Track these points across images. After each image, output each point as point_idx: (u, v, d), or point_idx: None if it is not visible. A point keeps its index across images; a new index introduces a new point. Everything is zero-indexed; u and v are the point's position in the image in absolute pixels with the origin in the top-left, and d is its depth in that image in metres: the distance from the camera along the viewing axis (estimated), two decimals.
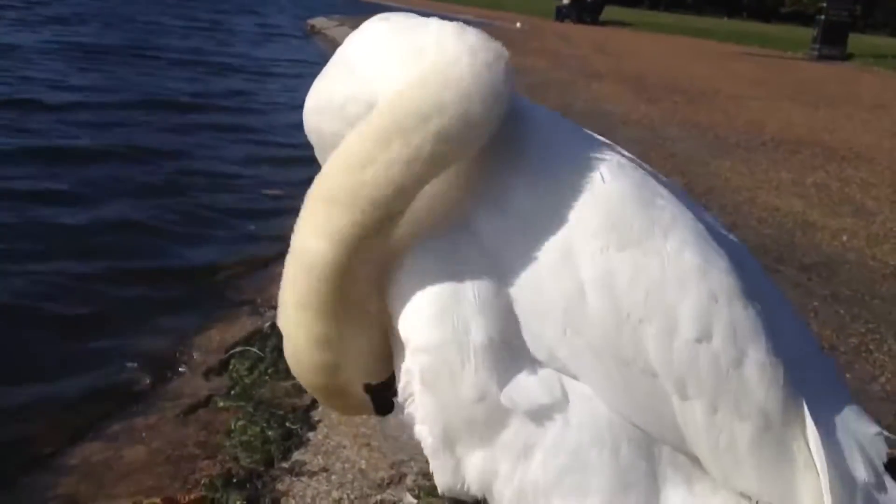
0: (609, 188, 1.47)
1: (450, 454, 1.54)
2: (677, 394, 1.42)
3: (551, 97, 11.55)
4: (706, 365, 1.41)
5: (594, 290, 1.42)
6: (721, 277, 1.45)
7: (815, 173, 7.88)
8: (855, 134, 10.65)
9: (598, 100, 11.93)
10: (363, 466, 2.84)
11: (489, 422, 1.46)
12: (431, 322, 1.47)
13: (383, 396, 1.67)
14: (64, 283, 4.62)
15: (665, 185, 1.60)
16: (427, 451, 1.60)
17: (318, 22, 25.79)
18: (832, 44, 26.54)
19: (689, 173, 7.18)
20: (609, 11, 42.29)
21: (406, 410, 1.59)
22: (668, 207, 1.50)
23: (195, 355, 3.90)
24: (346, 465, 2.85)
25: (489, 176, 1.52)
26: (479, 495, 1.56)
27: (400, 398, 1.60)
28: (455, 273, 1.47)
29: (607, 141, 1.66)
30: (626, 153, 1.64)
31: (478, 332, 1.45)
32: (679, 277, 1.43)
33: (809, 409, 1.45)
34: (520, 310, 1.46)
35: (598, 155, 1.53)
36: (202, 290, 4.72)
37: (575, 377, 1.44)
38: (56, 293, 4.49)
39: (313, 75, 1.73)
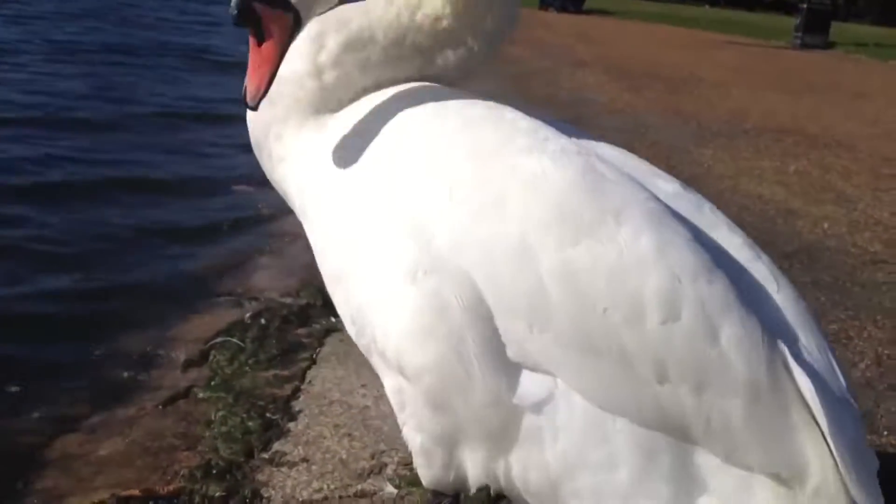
0: (554, 180, 1.47)
1: (445, 453, 1.54)
2: (656, 379, 1.40)
3: (535, 86, 11.54)
4: (681, 346, 1.40)
5: (555, 284, 1.42)
6: (681, 256, 1.43)
7: (797, 161, 7.90)
8: (837, 122, 10.68)
9: (581, 88, 11.93)
10: (344, 457, 2.83)
11: (504, 422, 1.46)
12: (424, 339, 1.47)
13: None
14: (40, 278, 4.58)
15: (613, 160, 1.59)
16: (415, 451, 1.60)
17: None
18: (814, 32, 26.58)
19: (671, 161, 7.18)
20: (592, 0, 42.23)
21: (400, 420, 1.60)
22: (616, 191, 1.48)
23: (175, 346, 3.87)
24: (327, 456, 2.84)
25: (441, 165, 1.54)
26: (480, 485, 1.56)
27: (395, 408, 1.60)
28: (426, 279, 1.47)
29: (554, 124, 1.66)
30: (571, 135, 1.64)
31: (473, 338, 1.45)
32: (638, 262, 1.42)
33: (797, 363, 1.42)
34: (489, 309, 1.45)
35: (543, 144, 1.53)
36: (181, 281, 4.69)
37: (549, 373, 1.44)
38: (33, 288, 4.45)
39: None
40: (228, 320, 4.05)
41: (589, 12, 38.36)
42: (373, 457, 2.82)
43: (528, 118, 1.63)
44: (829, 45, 26.46)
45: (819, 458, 1.39)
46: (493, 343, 1.45)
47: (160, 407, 3.31)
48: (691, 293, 1.41)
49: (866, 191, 6.98)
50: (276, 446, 2.90)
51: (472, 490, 1.58)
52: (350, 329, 1.67)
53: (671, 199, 1.57)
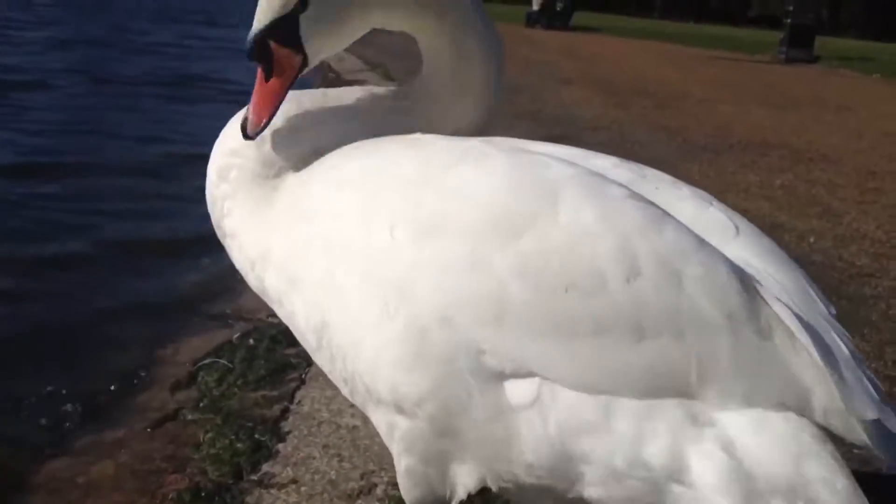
0: (479, 186, 1.51)
1: (439, 471, 1.54)
2: (636, 339, 1.40)
3: (522, 102, 11.57)
4: (651, 299, 1.40)
5: (514, 281, 1.43)
6: (625, 216, 1.45)
7: (783, 175, 7.94)
8: (821, 136, 10.73)
9: (567, 105, 11.97)
10: (333, 477, 2.82)
11: (507, 430, 1.46)
12: (415, 366, 1.48)
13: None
14: (28, 297, 4.57)
15: (543, 151, 1.65)
16: (400, 473, 1.61)
17: None
18: (799, 47, 26.78)
19: None
20: (578, 17, 42.43)
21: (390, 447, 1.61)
22: (546, 176, 1.51)
23: (163, 368, 3.87)
24: (316, 477, 2.82)
25: (376, 207, 1.59)
26: (472, 493, 1.56)
27: (385, 439, 1.62)
28: (398, 310, 1.49)
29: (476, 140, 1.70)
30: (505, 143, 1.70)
31: (463, 355, 1.46)
32: (585, 234, 1.44)
33: (768, 294, 1.43)
34: (462, 323, 1.47)
35: (462, 156, 1.58)
36: (170, 301, 4.68)
37: (532, 373, 1.44)
38: (20, 307, 4.44)
39: None
40: (217, 341, 4.04)
41: (575, 29, 38.57)
42: (362, 477, 2.81)
43: (447, 138, 1.70)
44: (813, 60, 26.66)
45: (818, 379, 1.37)
46: (483, 356, 1.45)
47: (148, 429, 3.30)
48: (645, 247, 1.42)
49: (852, 204, 7.01)
50: (265, 468, 2.88)
51: (461, 498, 1.58)
52: (344, 390, 1.69)
53: (609, 170, 1.62)
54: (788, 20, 27.14)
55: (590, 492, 1.45)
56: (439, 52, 1.82)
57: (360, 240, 1.57)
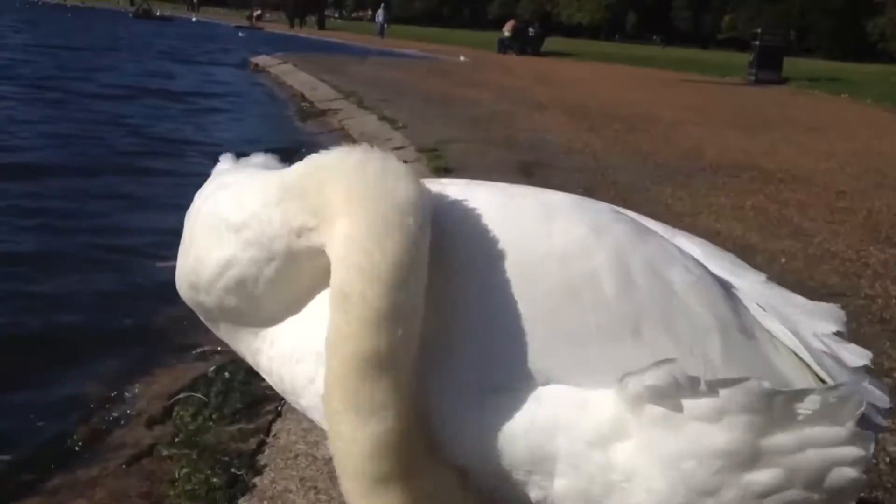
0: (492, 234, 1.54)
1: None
2: (634, 342, 1.47)
3: (495, 128, 11.64)
4: (646, 305, 1.49)
5: (518, 307, 1.48)
6: (614, 229, 1.57)
7: (754, 196, 8.00)
8: (791, 156, 10.84)
9: (540, 130, 12.04)
10: None
11: (500, 434, 1.50)
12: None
13: None
14: None
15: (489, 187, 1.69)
16: None
17: (262, 60, 25.83)
18: (768, 68, 27.11)
19: (630, 200, 7.23)
20: (550, 42, 42.83)
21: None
22: (527, 207, 1.59)
23: (138, 403, 3.84)
24: None
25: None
26: None
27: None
28: None
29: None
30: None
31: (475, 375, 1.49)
32: (580, 248, 1.52)
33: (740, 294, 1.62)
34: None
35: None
36: (144, 335, 4.65)
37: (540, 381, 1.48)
38: None
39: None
40: (192, 374, 4.02)
41: (547, 54, 38.89)
42: None
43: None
44: (782, 81, 27.00)
45: (799, 373, 1.51)
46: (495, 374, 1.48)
47: (123, 466, 3.27)
48: (637, 256, 1.53)
49: (822, 224, 7.08)
50: (242, 502, 2.87)
51: None
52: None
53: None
54: (757, 42, 27.51)
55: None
56: None
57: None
